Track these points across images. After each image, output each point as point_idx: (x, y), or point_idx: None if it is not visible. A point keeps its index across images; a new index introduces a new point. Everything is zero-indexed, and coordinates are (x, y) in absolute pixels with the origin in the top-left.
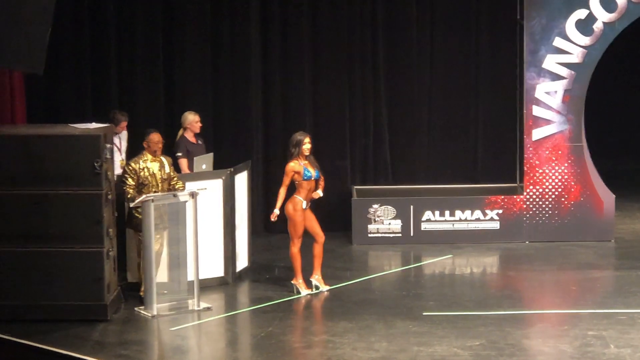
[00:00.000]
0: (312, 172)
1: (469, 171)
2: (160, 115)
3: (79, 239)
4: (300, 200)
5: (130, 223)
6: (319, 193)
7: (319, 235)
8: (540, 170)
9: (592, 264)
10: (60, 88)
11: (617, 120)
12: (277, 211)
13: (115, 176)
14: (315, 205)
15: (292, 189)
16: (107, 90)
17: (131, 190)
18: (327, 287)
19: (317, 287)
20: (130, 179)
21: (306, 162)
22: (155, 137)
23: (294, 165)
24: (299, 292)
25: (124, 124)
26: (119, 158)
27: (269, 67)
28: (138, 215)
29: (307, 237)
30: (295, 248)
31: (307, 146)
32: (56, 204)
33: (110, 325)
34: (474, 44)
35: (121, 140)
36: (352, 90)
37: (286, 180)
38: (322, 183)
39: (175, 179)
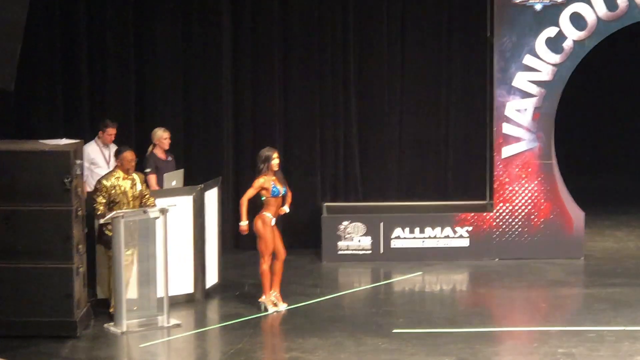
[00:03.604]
0: (280, 189)
1: (439, 188)
2: (131, 131)
3: (48, 255)
4: (269, 217)
5: (100, 240)
6: (285, 209)
7: (281, 252)
8: (510, 188)
9: (562, 281)
10: (31, 104)
11: (586, 138)
12: (244, 223)
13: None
14: (285, 222)
15: (260, 206)
16: (78, 105)
17: (101, 208)
18: (285, 305)
19: (274, 304)
20: (101, 197)
21: (274, 178)
22: (129, 155)
23: (263, 182)
24: (266, 310)
25: (112, 130)
26: (106, 170)
27: (240, 83)
28: (108, 233)
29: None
30: (265, 265)
31: (275, 162)
32: (25, 220)
33: (80, 341)
34: (445, 61)
35: (111, 153)
36: (323, 107)
37: (251, 193)
38: (289, 199)
39: (147, 196)
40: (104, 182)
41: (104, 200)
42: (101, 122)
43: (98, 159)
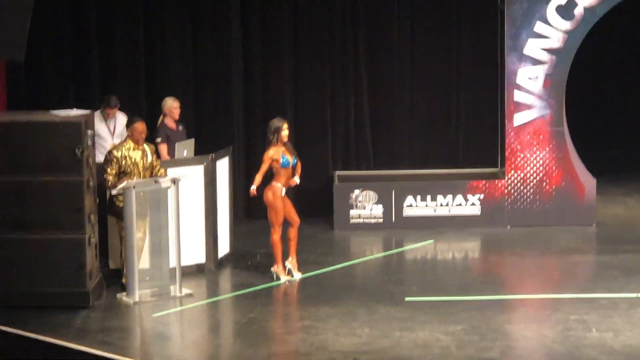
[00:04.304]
0: (290, 159)
1: (451, 156)
2: (141, 101)
3: (60, 226)
4: (279, 187)
5: (111, 210)
6: (296, 180)
7: (295, 220)
8: (522, 155)
9: (574, 248)
10: (40, 75)
11: (598, 105)
12: (254, 187)
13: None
14: (297, 191)
15: (270, 176)
16: (89, 76)
17: (111, 178)
18: (300, 274)
19: (289, 272)
20: (111, 167)
21: (284, 148)
22: (140, 127)
23: (273, 154)
24: (278, 279)
25: (111, 111)
26: (110, 142)
27: (250, 53)
28: (119, 203)
29: (286, 224)
30: (276, 235)
31: (285, 132)
32: (37, 192)
33: (93, 312)
34: (456, 29)
35: (116, 124)
36: (333, 76)
37: (264, 168)
38: (298, 169)
39: (157, 167)
40: (115, 152)
41: (114, 171)
42: (105, 97)
43: (101, 131)
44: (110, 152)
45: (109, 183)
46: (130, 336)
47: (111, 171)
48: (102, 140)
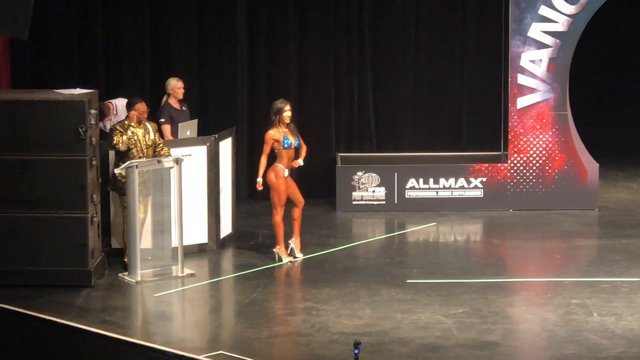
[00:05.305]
0: (292, 141)
1: (454, 139)
2: (145, 80)
3: (63, 204)
4: (281, 169)
5: (113, 185)
6: (300, 162)
7: (299, 201)
8: (525, 139)
9: (576, 232)
10: (45, 53)
11: (601, 89)
12: (260, 179)
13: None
14: (300, 173)
15: (274, 158)
16: (94, 55)
17: (121, 144)
18: (301, 255)
19: (292, 252)
20: (121, 136)
21: (286, 130)
22: (141, 107)
23: (273, 134)
24: (280, 260)
25: (110, 114)
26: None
27: (255, 34)
28: (121, 179)
29: (290, 205)
30: (278, 216)
31: (287, 114)
32: (40, 170)
33: (94, 291)
34: (460, 12)
35: (118, 113)
36: (337, 57)
37: (266, 149)
38: (303, 152)
39: (160, 145)
40: (118, 127)
41: (124, 137)
42: (100, 107)
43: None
44: (114, 127)
45: (119, 146)
46: (132, 316)
47: (119, 138)
48: None
